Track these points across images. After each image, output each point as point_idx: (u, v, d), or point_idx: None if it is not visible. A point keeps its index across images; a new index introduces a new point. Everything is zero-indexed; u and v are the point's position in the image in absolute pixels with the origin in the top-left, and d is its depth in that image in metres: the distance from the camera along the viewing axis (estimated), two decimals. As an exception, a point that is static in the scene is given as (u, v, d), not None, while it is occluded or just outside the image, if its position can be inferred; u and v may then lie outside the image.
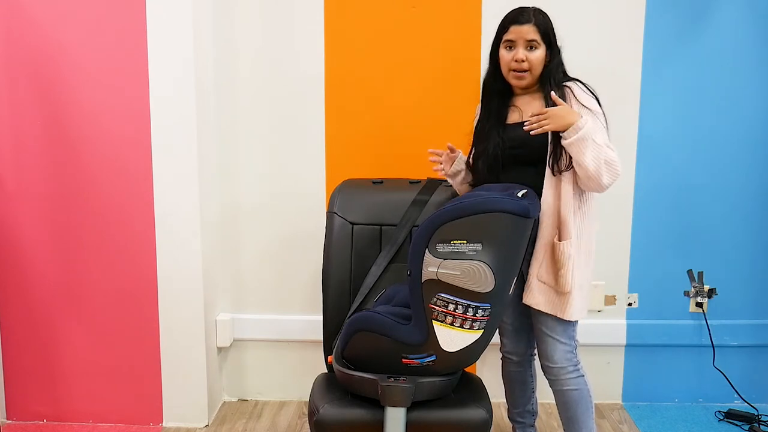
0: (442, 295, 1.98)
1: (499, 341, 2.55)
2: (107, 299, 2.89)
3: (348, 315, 2.40)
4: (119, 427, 2.96)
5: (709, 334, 3.07)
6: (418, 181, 2.64)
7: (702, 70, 2.97)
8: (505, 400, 2.68)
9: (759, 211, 3.05)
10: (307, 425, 2.45)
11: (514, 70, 2.30)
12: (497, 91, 2.38)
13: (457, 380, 2.21)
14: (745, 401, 3.07)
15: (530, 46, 2.29)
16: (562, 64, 2.38)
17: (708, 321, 3.07)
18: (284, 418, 3.04)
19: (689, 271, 3.07)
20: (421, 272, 1.98)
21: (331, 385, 2.29)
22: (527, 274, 2.31)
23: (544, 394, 3.17)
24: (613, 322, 3.11)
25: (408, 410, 2.09)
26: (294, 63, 3.00)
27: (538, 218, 2.23)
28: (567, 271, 2.24)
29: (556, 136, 2.22)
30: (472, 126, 2.47)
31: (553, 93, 2.23)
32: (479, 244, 1.95)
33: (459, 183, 2.50)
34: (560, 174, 2.25)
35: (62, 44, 2.76)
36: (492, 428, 2.26)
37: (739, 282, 3.09)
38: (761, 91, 2.98)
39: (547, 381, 2.42)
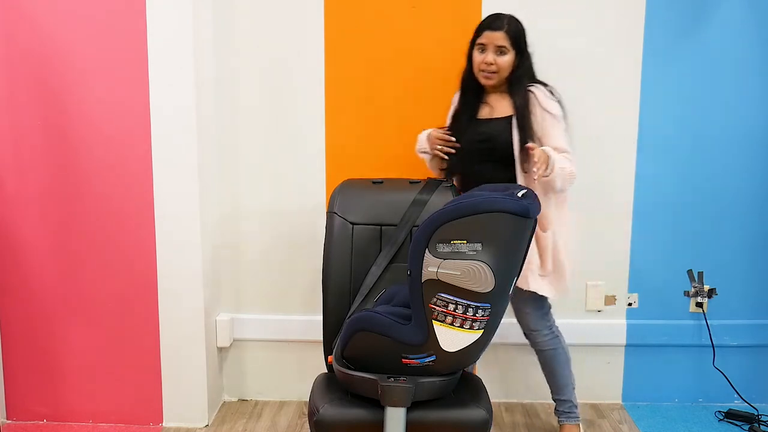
0: (442, 295, 1.98)
1: (497, 341, 2.55)
2: (107, 299, 2.89)
3: (348, 315, 2.40)
4: (119, 427, 2.96)
5: (709, 334, 3.07)
6: (418, 181, 2.64)
7: (702, 70, 2.97)
8: (503, 400, 2.70)
9: (759, 211, 3.05)
10: (307, 425, 2.45)
11: (483, 71, 2.56)
12: (472, 87, 2.64)
13: (457, 380, 2.21)
14: (745, 401, 3.07)
15: (500, 51, 2.54)
16: (532, 68, 2.62)
17: (708, 321, 3.07)
18: (284, 418, 3.04)
19: (689, 271, 3.07)
20: (421, 272, 1.98)
21: (331, 385, 2.29)
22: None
23: (543, 394, 3.17)
24: (613, 322, 3.11)
25: (408, 410, 2.09)
26: (294, 63, 3.00)
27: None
28: (548, 257, 2.58)
29: (522, 139, 2.51)
30: (447, 113, 2.71)
31: (528, 144, 2.46)
32: (479, 244, 1.95)
33: (435, 166, 2.72)
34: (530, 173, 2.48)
35: (62, 45, 2.76)
36: (492, 428, 2.26)
37: (739, 282, 3.09)
38: (761, 91, 2.98)
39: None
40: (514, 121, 2.55)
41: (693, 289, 3.07)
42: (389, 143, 2.99)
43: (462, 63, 2.97)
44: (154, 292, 2.87)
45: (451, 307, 1.99)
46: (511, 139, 2.54)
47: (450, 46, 2.96)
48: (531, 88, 2.56)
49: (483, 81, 2.59)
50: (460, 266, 1.95)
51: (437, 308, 2.00)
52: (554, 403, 2.82)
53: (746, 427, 2.95)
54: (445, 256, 1.96)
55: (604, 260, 3.08)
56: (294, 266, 3.10)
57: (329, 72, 2.98)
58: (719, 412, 3.05)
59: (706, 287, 3.05)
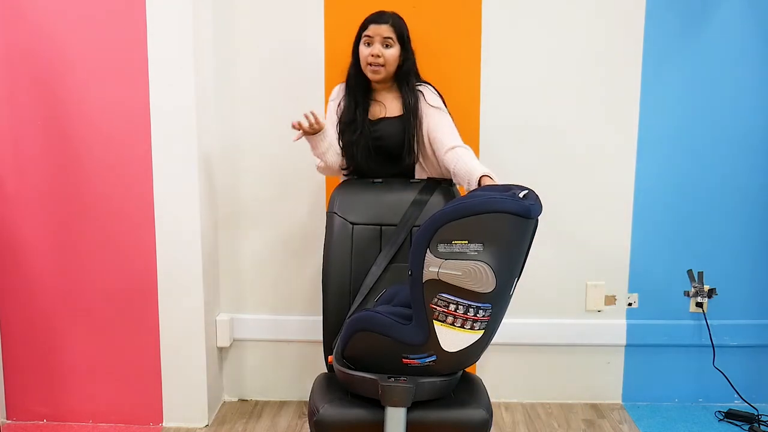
0: (443, 295, 1.98)
1: (498, 341, 2.54)
2: (107, 299, 2.89)
3: (348, 315, 2.40)
4: (119, 427, 2.96)
5: (709, 334, 3.07)
6: (418, 181, 2.64)
7: (702, 70, 2.97)
8: (503, 400, 2.69)
9: (759, 211, 3.05)
10: (307, 425, 2.45)
11: (371, 65, 2.59)
12: (360, 84, 2.65)
13: (457, 380, 2.21)
14: (745, 401, 3.08)
15: (386, 44, 2.58)
16: (415, 66, 2.68)
17: (708, 321, 3.07)
18: (284, 418, 3.04)
19: (689, 271, 3.07)
20: (423, 272, 1.98)
21: (331, 385, 2.29)
22: None
23: (543, 394, 3.18)
24: (613, 322, 3.11)
25: (408, 410, 2.09)
26: (294, 63, 3.00)
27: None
28: None
29: (410, 134, 2.60)
30: (327, 108, 2.73)
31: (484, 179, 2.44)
32: (480, 245, 1.95)
33: (332, 165, 2.67)
34: (422, 161, 2.63)
35: (62, 44, 2.76)
36: (492, 428, 2.26)
37: (739, 282, 3.09)
38: (761, 91, 2.98)
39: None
40: (409, 121, 2.60)
41: (693, 289, 3.07)
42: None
43: (464, 63, 2.98)
44: (154, 292, 2.87)
45: (452, 307, 1.99)
46: (404, 137, 2.60)
47: (450, 46, 2.97)
48: (419, 87, 2.64)
49: (371, 75, 2.61)
50: (461, 266, 1.95)
51: (438, 308, 2.00)
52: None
53: (746, 427, 2.95)
54: (446, 257, 1.96)
55: (604, 260, 3.08)
56: (294, 266, 3.10)
57: (329, 72, 2.98)
58: (719, 412, 3.05)
59: (706, 287, 3.06)
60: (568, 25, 2.96)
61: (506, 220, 1.96)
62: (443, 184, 2.62)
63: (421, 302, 2.01)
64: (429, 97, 2.63)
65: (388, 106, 2.66)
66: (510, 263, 2.02)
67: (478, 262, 1.95)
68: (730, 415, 3.01)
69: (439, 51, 2.97)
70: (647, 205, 3.05)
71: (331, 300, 2.50)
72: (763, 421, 2.95)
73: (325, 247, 2.56)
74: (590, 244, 3.07)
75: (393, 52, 2.60)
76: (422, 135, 2.61)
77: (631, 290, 3.10)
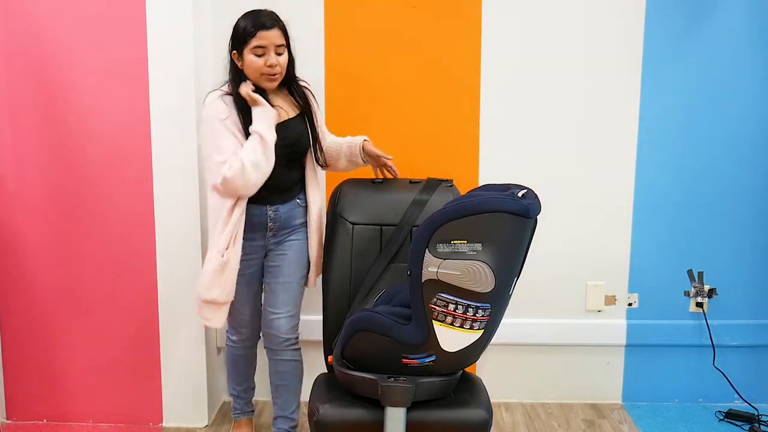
0: (443, 295, 1.98)
1: (497, 341, 2.54)
2: (107, 299, 2.89)
3: (348, 315, 2.40)
4: (119, 427, 2.96)
5: (709, 334, 3.07)
6: (418, 181, 2.64)
7: (702, 70, 2.97)
8: (503, 400, 2.68)
9: (759, 211, 3.05)
10: (307, 425, 2.45)
11: (266, 74, 2.41)
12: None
13: (457, 380, 2.21)
14: (745, 401, 3.07)
15: (279, 52, 2.42)
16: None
17: (708, 321, 3.07)
18: (284, 418, 3.04)
19: (689, 271, 3.07)
20: (422, 272, 1.98)
21: (331, 385, 2.29)
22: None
23: (543, 394, 3.17)
24: (613, 322, 3.11)
25: (408, 410, 2.09)
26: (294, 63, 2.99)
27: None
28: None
29: (314, 132, 2.57)
30: (213, 129, 2.42)
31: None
32: (479, 244, 1.95)
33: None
34: (322, 167, 2.63)
35: (62, 44, 2.76)
36: (492, 428, 2.26)
37: (739, 282, 3.08)
38: (761, 91, 2.98)
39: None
40: (307, 120, 2.56)
41: (693, 289, 3.06)
42: (389, 143, 2.98)
43: (464, 63, 2.98)
44: (154, 292, 2.87)
45: (452, 307, 1.99)
46: (309, 138, 2.56)
47: (450, 46, 2.97)
48: (303, 84, 2.58)
49: (267, 85, 2.44)
50: (460, 266, 1.95)
51: (437, 308, 2.00)
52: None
53: (746, 427, 2.95)
54: (445, 256, 1.96)
55: (604, 260, 3.08)
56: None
57: (329, 72, 2.98)
58: (719, 412, 3.05)
59: (706, 287, 3.05)
60: (568, 25, 2.96)
61: (505, 219, 1.96)
62: (443, 184, 2.62)
63: (420, 302, 2.01)
64: (312, 95, 2.61)
65: (283, 107, 2.51)
66: (509, 263, 2.02)
67: (477, 262, 1.95)
68: (730, 415, 3.00)
69: (439, 51, 2.97)
70: (647, 205, 3.04)
71: (331, 300, 2.50)
72: (763, 421, 2.95)
73: (325, 247, 2.56)
74: (590, 244, 3.06)
75: (286, 58, 2.45)
76: (320, 130, 2.61)
77: (631, 290, 3.10)
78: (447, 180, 2.64)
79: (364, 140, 2.66)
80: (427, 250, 1.97)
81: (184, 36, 2.74)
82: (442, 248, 1.96)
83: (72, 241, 2.87)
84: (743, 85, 2.97)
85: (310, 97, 2.59)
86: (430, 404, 2.14)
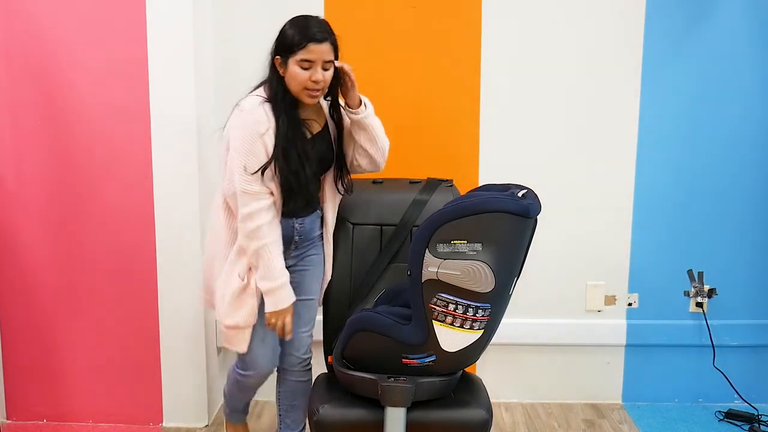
0: (443, 295, 1.98)
1: (497, 341, 2.54)
2: (107, 299, 2.89)
3: (348, 315, 2.40)
4: (119, 427, 2.96)
5: (709, 334, 3.07)
6: (418, 181, 2.64)
7: (702, 70, 2.97)
8: (503, 400, 2.66)
9: (759, 211, 3.05)
10: (307, 425, 2.45)
11: (309, 89, 2.23)
12: (290, 102, 2.26)
13: (457, 380, 2.21)
14: (745, 401, 3.07)
15: (326, 67, 2.23)
16: None
17: (708, 321, 3.07)
18: (284, 418, 3.04)
19: (689, 271, 3.07)
20: (422, 272, 1.98)
21: (331, 385, 2.29)
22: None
23: (543, 394, 3.17)
24: (613, 322, 3.11)
25: (408, 410, 2.09)
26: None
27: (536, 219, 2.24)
28: None
29: (341, 154, 2.41)
30: (250, 148, 2.21)
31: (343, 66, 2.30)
32: (479, 244, 1.95)
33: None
34: (342, 193, 2.46)
35: (62, 44, 2.76)
36: (492, 428, 2.26)
37: (739, 282, 3.08)
38: (761, 91, 2.98)
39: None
40: (338, 137, 2.41)
41: (693, 289, 3.07)
42: (389, 143, 2.99)
43: (463, 63, 2.98)
44: (154, 292, 2.87)
45: (452, 307, 1.99)
46: (332, 153, 2.41)
47: (450, 46, 2.97)
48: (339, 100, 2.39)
49: (307, 100, 2.25)
50: (460, 266, 1.95)
51: (437, 308, 2.00)
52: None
53: (746, 427, 2.95)
54: (445, 256, 1.96)
55: (604, 260, 3.08)
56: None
57: (329, 72, 2.98)
58: (719, 412, 3.05)
59: (706, 287, 3.05)
60: (568, 25, 2.96)
61: (505, 219, 1.96)
62: (443, 184, 2.62)
63: (420, 302, 2.01)
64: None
65: (312, 120, 2.34)
66: (509, 263, 2.02)
67: (477, 262, 1.95)
68: (730, 415, 3.00)
69: (439, 51, 2.97)
70: (647, 205, 3.04)
71: (331, 300, 2.50)
72: (763, 421, 2.95)
73: (325, 247, 2.56)
74: (590, 244, 3.06)
75: (331, 74, 2.25)
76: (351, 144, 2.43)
77: (631, 290, 3.10)
78: (447, 180, 2.64)
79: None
80: (427, 250, 1.97)
81: (184, 36, 2.74)
82: (442, 248, 1.96)
83: (72, 241, 2.87)
84: (743, 85, 2.97)
85: (343, 113, 2.39)
86: (430, 404, 2.14)
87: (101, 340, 2.92)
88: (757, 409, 3.01)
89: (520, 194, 2.02)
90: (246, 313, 2.32)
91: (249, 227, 2.23)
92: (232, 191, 2.26)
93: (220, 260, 2.36)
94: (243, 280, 2.30)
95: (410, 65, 2.98)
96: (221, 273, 2.35)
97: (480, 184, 2.73)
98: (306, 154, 2.26)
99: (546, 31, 2.96)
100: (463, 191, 2.45)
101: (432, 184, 2.62)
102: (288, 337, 2.32)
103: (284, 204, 2.29)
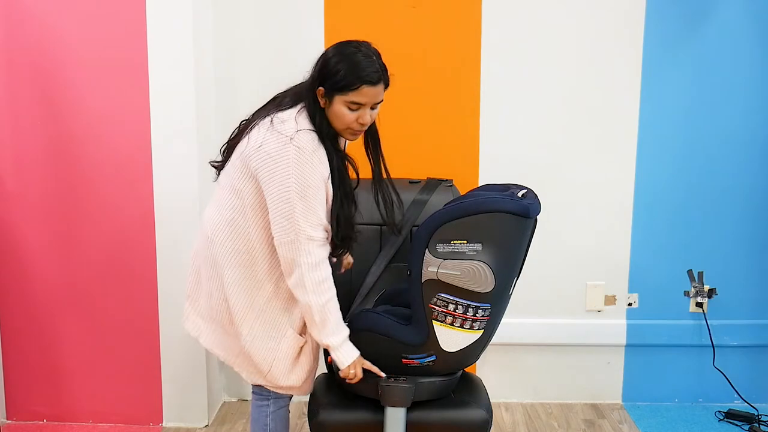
0: (443, 295, 1.98)
1: (497, 341, 2.54)
2: (107, 299, 2.89)
3: (348, 315, 2.39)
4: (119, 427, 2.96)
5: (709, 334, 3.07)
6: (418, 181, 2.64)
7: (702, 70, 2.97)
8: (503, 400, 2.66)
9: (759, 211, 3.05)
10: (307, 425, 2.45)
11: (352, 129, 2.02)
12: (333, 137, 2.04)
13: (457, 380, 2.21)
14: (745, 401, 3.07)
15: (375, 107, 2.02)
16: None
17: (708, 321, 3.07)
18: (284, 418, 3.04)
19: (689, 271, 3.07)
20: (421, 272, 1.98)
21: (331, 385, 2.29)
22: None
23: (543, 394, 3.17)
24: (613, 322, 3.11)
25: (408, 410, 2.09)
26: (294, 64, 2.97)
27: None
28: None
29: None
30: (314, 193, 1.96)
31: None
32: (479, 244, 1.95)
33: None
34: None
35: (62, 44, 2.76)
36: (492, 428, 2.27)
37: (739, 282, 3.08)
38: (761, 91, 2.98)
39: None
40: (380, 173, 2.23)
41: (693, 289, 3.06)
42: (388, 143, 2.98)
43: (463, 63, 2.98)
44: (155, 292, 2.87)
45: (451, 307, 1.99)
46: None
47: (450, 46, 2.97)
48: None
49: (348, 137, 2.07)
50: (460, 266, 1.95)
51: (437, 308, 2.00)
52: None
53: (746, 427, 2.95)
54: (445, 256, 1.96)
55: (604, 260, 3.08)
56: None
57: (329, 72, 2.98)
58: (719, 412, 3.05)
59: (706, 287, 3.05)
60: (568, 25, 2.96)
61: (505, 219, 1.96)
62: (443, 184, 2.62)
63: (420, 302, 2.01)
64: None
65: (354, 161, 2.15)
66: (509, 263, 2.02)
67: (477, 262, 1.95)
68: (730, 415, 3.00)
69: (439, 51, 2.96)
70: (647, 205, 3.04)
71: (331, 300, 2.50)
72: (763, 421, 2.95)
73: (325, 247, 2.55)
74: (590, 244, 3.06)
75: (377, 112, 2.05)
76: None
77: (631, 290, 3.10)
78: (447, 180, 2.64)
79: None
80: (427, 250, 1.97)
81: (184, 36, 2.73)
82: (442, 248, 1.96)
83: (72, 241, 2.87)
84: (743, 85, 2.97)
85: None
86: (430, 404, 2.14)
87: (101, 340, 2.92)
88: (757, 409, 3.01)
89: (520, 194, 2.02)
90: (305, 372, 2.14)
91: (316, 278, 1.96)
92: (290, 238, 1.95)
93: (258, 313, 2.08)
94: (301, 335, 2.10)
95: (410, 65, 2.97)
96: (257, 329, 2.08)
97: (480, 184, 2.73)
98: (353, 195, 2.08)
99: (546, 31, 2.96)
100: (463, 191, 2.45)
101: (432, 184, 2.62)
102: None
103: (337, 249, 2.07)
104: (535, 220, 2.09)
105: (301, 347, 2.12)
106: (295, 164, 1.93)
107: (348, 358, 2.03)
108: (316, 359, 2.19)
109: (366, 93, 1.96)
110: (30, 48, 2.77)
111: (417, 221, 2.49)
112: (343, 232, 2.04)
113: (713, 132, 3.00)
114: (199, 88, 2.81)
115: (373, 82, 1.96)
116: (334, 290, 2.02)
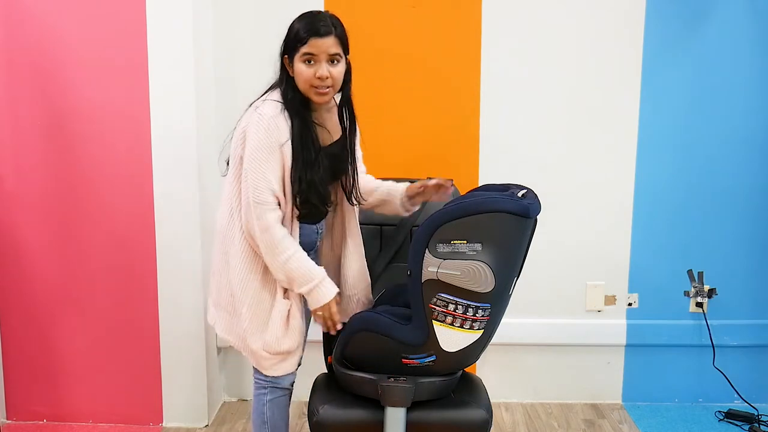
0: (442, 295, 1.98)
1: (497, 341, 2.54)
2: (107, 299, 2.89)
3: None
4: (119, 427, 2.96)
5: (709, 334, 3.07)
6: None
7: (702, 70, 2.97)
8: (503, 400, 2.67)
9: (759, 211, 3.05)
10: (307, 425, 2.45)
11: (316, 87, 2.08)
12: (301, 103, 2.12)
13: (457, 380, 2.21)
14: (745, 401, 3.07)
15: (333, 60, 2.08)
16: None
17: (708, 321, 3.07)
18: (284, 418, 3.04)
19: (689, 271, 3.07)
20: (421, 272, 1.98)
21: (330, 385, 2.29)
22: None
23: (543, 394, 3.17)
24: (613, 322, 3.11)
25: (408, 410, 2.09)
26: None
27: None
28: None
29: (354, 165, 2.26)
30: (268, 156, 2.05)
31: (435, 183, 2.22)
32: (479, 244, 1.95)
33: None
34: (355, 205, 2.30)
35: (62, 44, 2.76)
36: (492, 428, 2.26)
37: (739, 282, 3.09)
38: (761, 91, 2.98)
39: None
40: (351, 142, 2.27)
41: (693, 289, 3.07)
42: (388, 143, 2.99)
43: (463, 63, 2.98)
44: (154, 292, 2.87)
45: (451, 307, 1.99)
46: (347, 162, 2.26)
47: (450, 47, 2.97)
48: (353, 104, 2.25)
49: (317, 99, 2.10)
50: (460, 266, 1.95)
51: (437, 308, 2.00)
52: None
53: (746, 427, 2.95)
54: (445, 256, 1.96)
55: (604, 260, 3.08)
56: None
57: (329, 72, 2.98)
58: (719, 412, 3.05)
59: (706, 287, 3.05)
60: (568, 25, 2.96)
61: (505, 219, 1.96)
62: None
63: (420, 302, 2.01)
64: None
65: (329, 127, 2.20)
66: (509, 263, 2.02)
67: (477, 262, 1.95)
68: (730, 415, 3.00)
69: (439, 51, 2.97)
70: (647, 205, 3.04)
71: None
72: (763, 421, 2.95)
73: (325, 247, 2.55)
74: (590, 244, 3.07)
75: (340, 69, 2.10)
76: (358, 155, 2.31)
77: (631, 290, 3.10)
78: (447, 180, 2.63)
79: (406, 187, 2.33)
80: (426, 250, 1.97)
81: (184, 36, 2.73)
82: (442, 248, 1.96)
83: (72, 241, 2.87)
84: (743, 85, 2.97)
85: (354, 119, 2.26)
86: (430, 404, 2.14)
87: (101, 340, 2.92)
88: (757, 409, 3.02)
89: (519, 194, 2.02)
90: (295, 335, 2.18)
91: (267, 241, 2.06)
92: (246, 202, 2.07)
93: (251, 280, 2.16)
94: (287, 299, 2.16)
95: (410, 65, 2.98)
96: (249, 296, 2.16)
97: (480, 184, 2.73)
98: (318, 161, 2.11)
99: (546, 31, 2.96)
100: (463, 191, 2.45)
101: (432, 184, 2.61)
102: (336, 329, 2.18)
103: (300, 212, 2.14)
104: (535, 220, 2.09)
105: (289, 310, 2.18)
106: (253, 130, 2.06)
107: (317, 302, 2.12)
108: (306, 323, 2.27)
109: (315, 44, 2.06)
110: (30, 48, 2.77)
111: (417, 221, 2.49)
112: (304, 196, 2.11)
113: (713, 132, 3.00)
114: (199, 88, 2.81)
115: (320, 34, 2.07)
116: (292, 248, 2.08)
